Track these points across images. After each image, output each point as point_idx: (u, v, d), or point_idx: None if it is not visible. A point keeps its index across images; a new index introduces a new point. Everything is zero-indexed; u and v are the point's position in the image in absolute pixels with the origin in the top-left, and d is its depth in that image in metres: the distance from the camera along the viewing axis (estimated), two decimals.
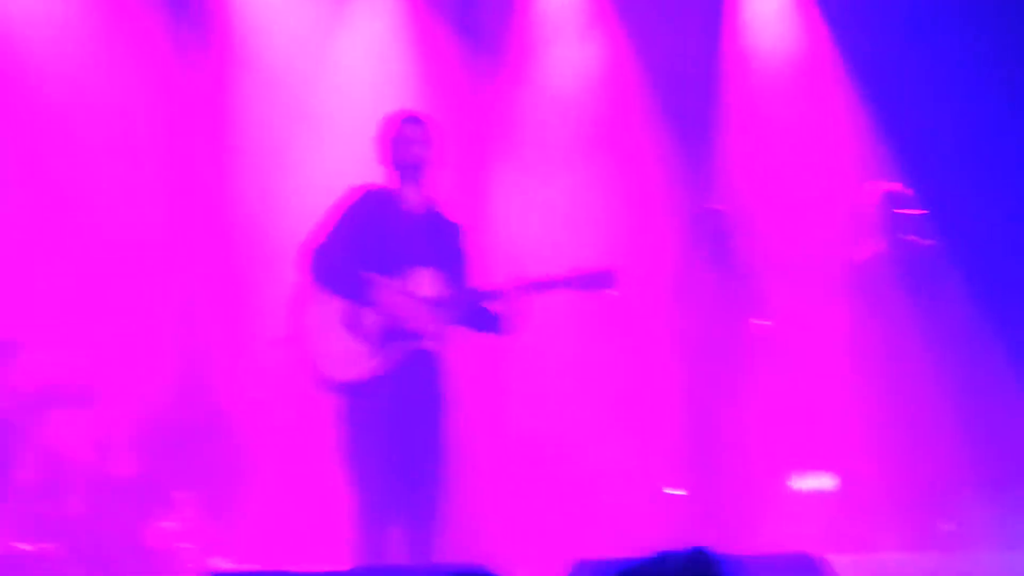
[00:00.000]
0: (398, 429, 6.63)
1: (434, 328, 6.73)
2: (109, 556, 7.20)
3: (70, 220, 9.03)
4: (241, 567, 7.50)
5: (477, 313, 6.90)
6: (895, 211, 9.03)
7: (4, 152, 9.02)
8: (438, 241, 6.87)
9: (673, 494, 9.09)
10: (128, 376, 8.65)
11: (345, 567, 6.60)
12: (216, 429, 8.51)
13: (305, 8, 9.82)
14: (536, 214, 9.79)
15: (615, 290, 6.91)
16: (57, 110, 9.10)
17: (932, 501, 8.53)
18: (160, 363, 9.05)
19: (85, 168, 9.09)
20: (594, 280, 6.89)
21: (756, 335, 9.04)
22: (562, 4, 10.40)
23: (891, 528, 8.43)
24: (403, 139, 6.88)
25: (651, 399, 9.36)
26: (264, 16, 9.71)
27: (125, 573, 7.00)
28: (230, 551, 7.87)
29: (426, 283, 6.76)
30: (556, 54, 10.34)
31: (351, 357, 6.70)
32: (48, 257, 8.97)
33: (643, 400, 9.41)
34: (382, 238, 6.77)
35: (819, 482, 9.13)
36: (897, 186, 9.20)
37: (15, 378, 7.85)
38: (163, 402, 8.84)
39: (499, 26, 10.21)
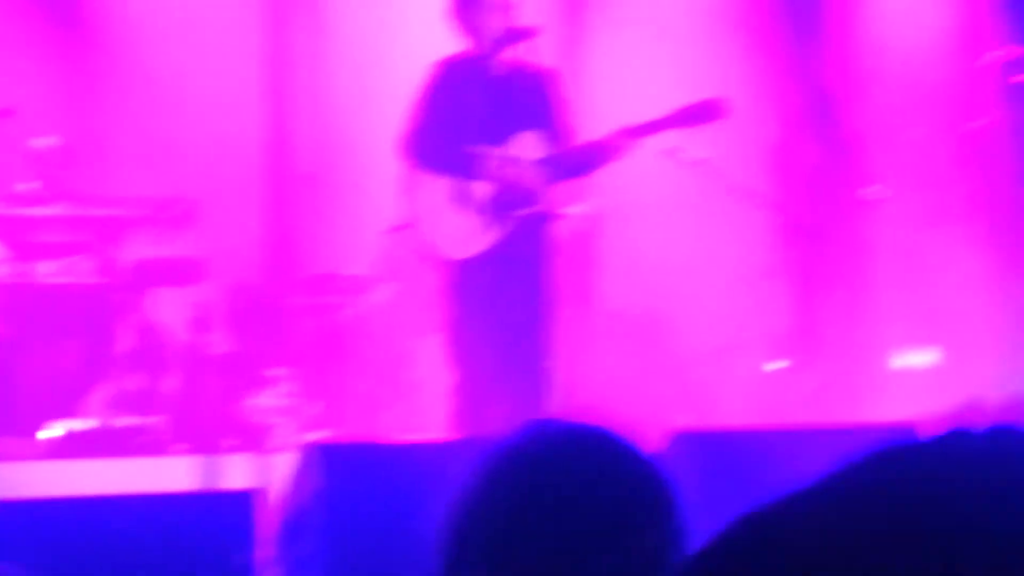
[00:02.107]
0: (503, 302, 6.55)
1: (540, 191, 6.60)
2: (206, 431, 7.25)
3: (171, 95, 9.04)
4: (339, 440, 7.51)
5: (584, 165, 6.74)
6: (1013, 78, 8.75)
7: (107, 32, 9.03)
8: (533, 98, 6.69)
9: (775, 367, 9.00)
10: (226, 253, 8.67)
11: (445, 440, 6.57)
12: (313, 305, 8.52)
13: None
14: (639, 57, 9.61)
15: (723, 119, 6.69)
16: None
17: None
18: (258, 239, 9.07)
19: (184, 46, 9.08)
20: (700, 112, 6.69)
21: (861, 205, 8.86)
22: None
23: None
24: (488, 5, 6.69)
25: (754, 269, 9.23)
26: None
27: (222, 448, 7.03)
28: (327, 426, 7.89)
29: (529, 146, 6.62)
30: None
31: (467, 233, 6.60)
32: (150, 136, 9.00)
33: (746, 270, 9.28)
34: (475, 108, 6.63)
35: (923, 356, 9.00)
36: (1018, 51, 8.91)
37: (115, 255, 7.88)
38: (260, 278, 8.87)
39: None
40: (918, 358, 9.00)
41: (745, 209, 8.67)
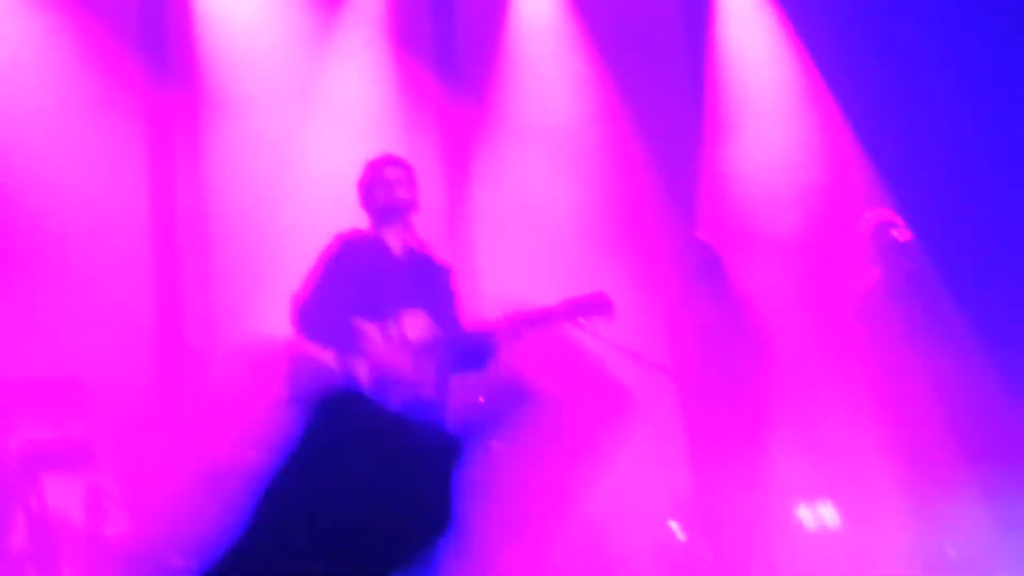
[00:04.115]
0: None
1: (428, 375, 6.62)
2: None
3: (54, 275, 8.95)
4: None
5: (470, 354, 6.81)
6: (888, 238, 8.93)
7: None
8: (426, 283, 6.77)
9: (675, 530, 9.01)
10: (122, 436, 8.57)
11: None
12: (214, 490, 8.42)
13: (285, 53, 9.76)
14: (524, 251, 9.73)
15: (609, 316, 6.83)
16: (33, 169, 9.03)
17: (939, 527, 8.45)
18: (154, 423, 8.97)
19: (67, 228, 9.01)
20: (587, 307, 6.81)
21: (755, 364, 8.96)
22: (541, 38, 10.36)
23: (899, 555, 8.35)
24: (384, 182, 6.80)
25: (652, 431, 9.27)
26: (245, 62, 9.64)
27: None
28: None
29: (416, 326, 6.66)
30: (537, 88, 10.30)
31: None
32: (33, 318, 8.90)
33: (644, 434, 9.32)
34: (368, 284, 6.67)
35: (824, 513, 9.07)
36: (888, 213, 9.13)
37: (5, 442, 7.75)
38: (158, 462, 8.76)
39: (478, 63, 10.18)
40: (816, 515, 9.07)
41: (643, 373, 8.74)
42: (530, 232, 9.81)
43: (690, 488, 9.03)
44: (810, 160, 10.26)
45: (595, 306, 6.82)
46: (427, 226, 7.13)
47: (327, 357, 6.61)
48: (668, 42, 10.45)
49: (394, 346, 6.60)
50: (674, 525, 9.03)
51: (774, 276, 9.58)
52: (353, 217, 6.92)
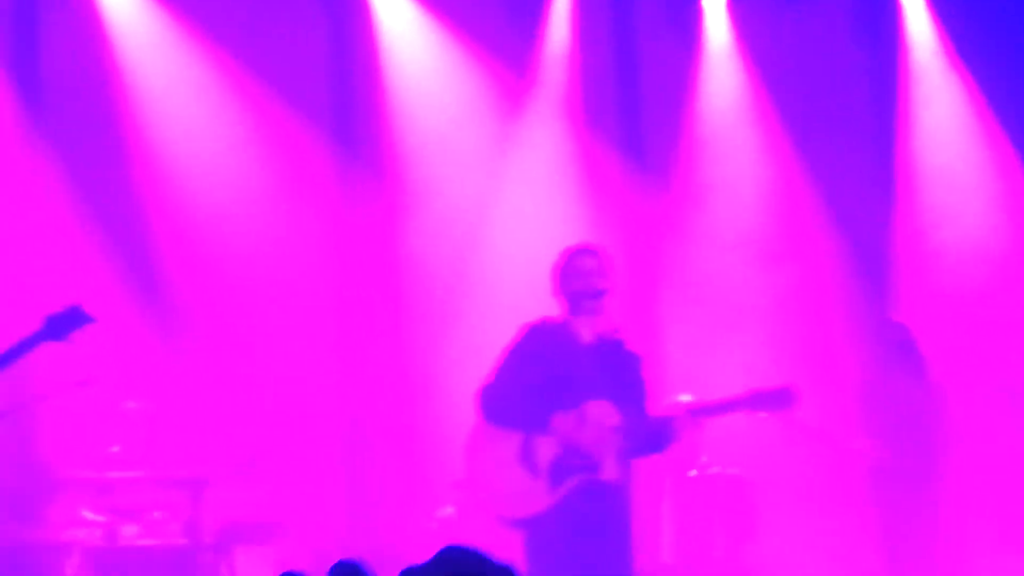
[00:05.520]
0: (579, 563, 6.50)
1: (609, 459, 6.61)
2: None
3: (250, 361, 9.16)
4: None
5: (653, 440, 6.77)
6: None
7: (185, 300, 9.20)
8: (614, 372, 6.72)
9: None
10: (309, 511, 8.70)
11: None
12: (396, 562, 8.48)
13: (473, 136, 9.89)
14: (711, 334, 9.70)
15: (793, 409, 6.80)
16: (230, 255, 9.25)
17: None
18: (338, 498, 9.09)
19: (260, 316, 9.22)
20: (771, 399, 6.78)
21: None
22: (729, 118, 10.36)
23: None
24: (576, 271, 6.79)
25: (843, 516, 9.17)
26: (433, 146, 9.79)
27: None
28: None
29: (601, 414, 6.63)
30: (723, 172, 10.29)
31: (527, 493, 6.59)
32: (233, 398, 9.08)
33: (835, 518, 9.23)
34: (556, 372, 6.65)
35: None
36: None
37: (200, 515, 7.91)
38: (343, 537, 8.87)
39: (664, 147, 10.20)
40: None
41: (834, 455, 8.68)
42: (717, 316, 9.78)
43: (886, 570, 8.87)
44: (1004, 235, 10.09)
45: (778, 399, 6.78)
46: (616, 310, 7.14)
47: (512, 440, 6.63)
48: (857, 120, 10.37)
49: (579, 430, 6.59)
50: None
51: (969, 355, 9.43)
52: (538, 298, 6.97)
